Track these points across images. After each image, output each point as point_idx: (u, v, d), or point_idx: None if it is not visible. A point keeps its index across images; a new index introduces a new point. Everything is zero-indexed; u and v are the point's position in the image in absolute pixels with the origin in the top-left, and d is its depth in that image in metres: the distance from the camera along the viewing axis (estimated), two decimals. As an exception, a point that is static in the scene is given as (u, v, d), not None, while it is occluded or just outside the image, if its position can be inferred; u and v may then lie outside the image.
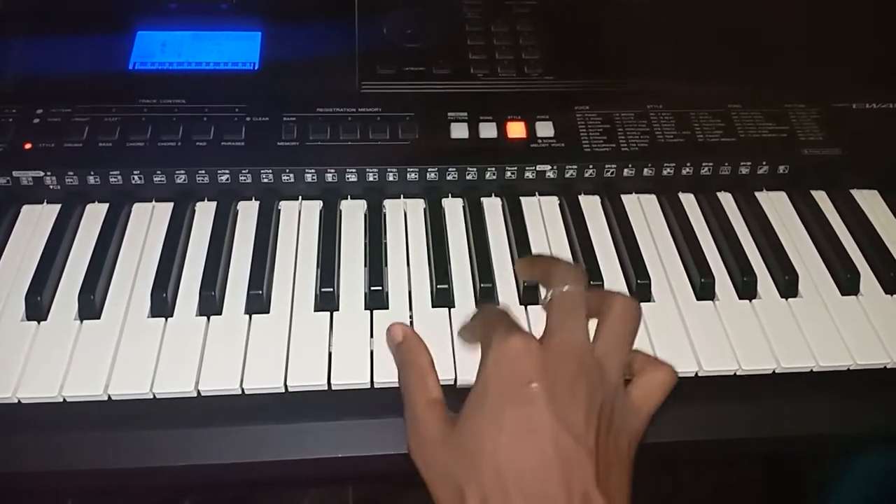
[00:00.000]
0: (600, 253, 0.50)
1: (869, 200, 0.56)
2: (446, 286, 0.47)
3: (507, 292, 0.48)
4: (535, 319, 0.46)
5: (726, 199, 0.55)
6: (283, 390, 0.42)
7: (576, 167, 0.53)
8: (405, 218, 0.52)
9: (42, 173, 0.50)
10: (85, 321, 0.44)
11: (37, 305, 0.45)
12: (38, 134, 0.51)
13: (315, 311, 0.46)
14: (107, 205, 0.51)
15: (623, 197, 0.54)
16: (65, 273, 0.47)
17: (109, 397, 0.41)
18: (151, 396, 0.41)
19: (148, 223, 0.51)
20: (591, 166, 0.53)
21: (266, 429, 0.42)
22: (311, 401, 0.42)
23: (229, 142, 0.51)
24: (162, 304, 0.45)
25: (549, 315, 0.36)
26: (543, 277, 0.40)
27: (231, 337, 0.44)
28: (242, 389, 0.42)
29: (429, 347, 0.43)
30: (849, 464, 0.74)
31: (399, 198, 0.53)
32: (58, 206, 0.51)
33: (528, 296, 0.47)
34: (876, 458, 0.73)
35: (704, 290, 0.48)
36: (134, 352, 0.43)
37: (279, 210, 0.52)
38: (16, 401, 0.41)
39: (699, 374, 0.44)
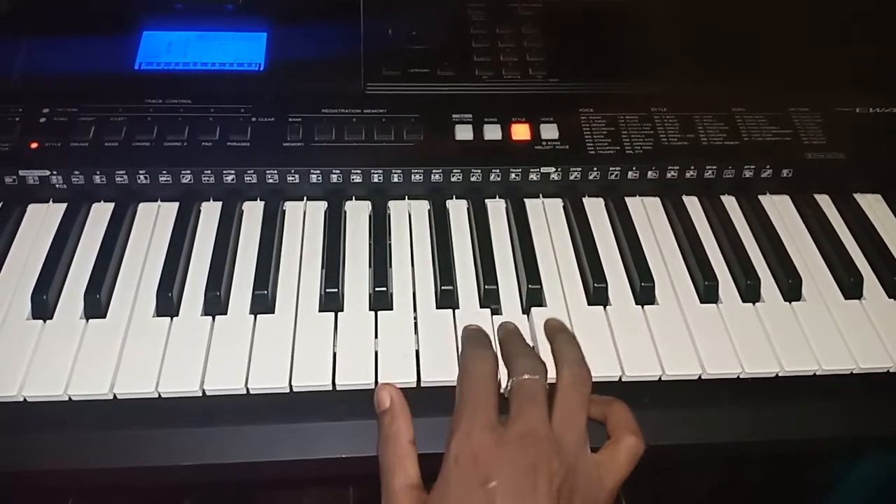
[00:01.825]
0: (604, 255, 0.50)
1: (872, 204, 0.56)
2: (451, 287, 0.47)
3: (510, 294, 0.48)
4: (537, 322, 0.46)
5: (730, 203, 0.55)
6: (288, 390, 0.42)
7: (580, 169, 0.53)
8: (410, 219, 0.52)
9: (48, 172, 0.50)
10: (90, 320, 0.45)
11: (42, 304, 0.45)
12: (45, 133, 0.51)
13: (320, 311, 0.46)
14: (112, 204, 0.51)
15: (627, 199, 0.54)
16: (70, 272, 0.47)
17: (115, 396, 0.42)
18: (156, 396, 0.42)
19: (153, 223, 0.51)
20: (595, 169, 0.53)
21: (270, 429, 0.42)
22: (315, 401, 0.43)
23: (235, 142, 0.52)
24: (167, 304, 0.45)
25: (511, 403, 0.38)
26: (506, 365, 0.41)
27: (236, 337, 0.44)
28: (247, 389, 0.42)
29: (430, 347, 0.44)
30: (849, 466, 0.75)
31: (404, 199, 0.53)
32: (64, 206, 0.51)
33: (532, 299, 0.47)
34: (876, 461, 0.73)
35: (708, 293, 0.48)
36: (139, 351, 0.43)
37: (284, 211, 0.52)
38: (21, 399, 0.41)
39: (702, 377, 0.44)
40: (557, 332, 0.43)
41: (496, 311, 0.47)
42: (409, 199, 0.53)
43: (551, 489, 0.34)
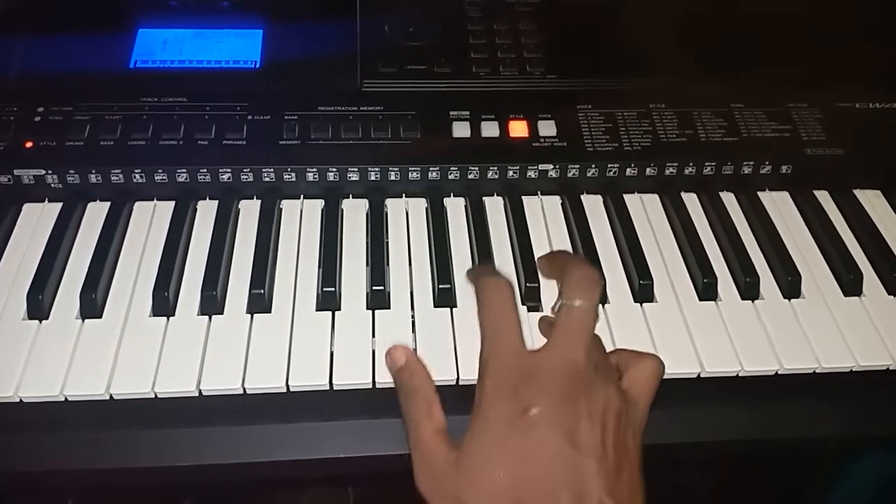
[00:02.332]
0: (602, 253, 0.50)
1: (872, 201, 0.56)
2: (448, 286, 0.47)
3: (509, 292, 0.47)
4: (534, 321, 0.45)
5: (729, 199, 0.55)
6: (285, 390, 0.42)
7: (578, 166, 0.53)
8: (407, 217, 0.52)
9: (43, 172, 0.50)
10: (86, 320, 0.44)
11: (38, 304, 0.45)
12: (40, 132, 0.51)
13: (317, 310, 0.46)
14: (108, 203, 0.51)
15: (625, 196, 0.54)
16: (66, 272, 0.47)
17: (111, 396, 0.41)
18: (153, 396, 0.41)
19: (149, 222, 0.51)
20: (593, 166, 0.53)
21: (267, 428, 0.42)
22: (312, 401, 0.42)
23: (231, 140, 0.51)
24: (163, 304, 0.45)
25: (555, 326, 0.37)
26: (559, 280, 0.40)
27: (233, 336, 0.44)
28: (244, 389, 0.42)
29: (428, 346, 0.44)
30: (849, 466, 0.74)
31: (401, 197, 0.53)
32: (59, 205, 0.51)
33: (529, 297, 0.47)
34: (876, 460, 0.73)
35: (707, 290, 0.48)
36: (135, 351, 0.43)
37: (281, 209, 0.52)
38: (17, 400, 0.41)
39: (701, 375, 0.44)
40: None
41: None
42: (406, 196, 0.53)
43: (593, 409, 0.34)
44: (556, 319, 0.37)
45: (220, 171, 0.51)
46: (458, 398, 0.37)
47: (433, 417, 0.37)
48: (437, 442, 0.36)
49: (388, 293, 0.47)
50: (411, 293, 0.47)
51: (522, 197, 0.53)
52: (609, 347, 0.44)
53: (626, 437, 0.35)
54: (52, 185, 0.51)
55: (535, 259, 0.47)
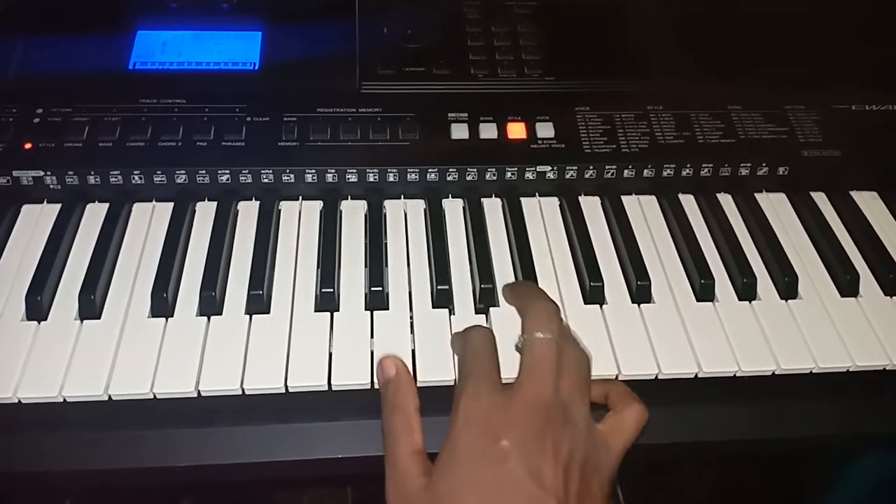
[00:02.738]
0: (600, 254, 0.50)
1: (869, 202, 0.56)
2: (447, 287, 0.47)
3: (507, 293, 0.48)
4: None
5: (726, 201, 0.55)
6: (284, 391, 0.42)
7: (576, 168, 0.53)
8: (405, 218, 0.52)
9: (42, 173, 0.50)
10: (85, 321, 0.44)
11: (37, 305, 0.45)
12: (39, 133, 0.51)
13: (315, 311, 0.46)
14: (107, 204, 0.51)
15: (623, 198, 0.54)
16: (65, 273, 0.47)
17: (110, 397, 0.41)
18: (152, 396, 0.41)
19: (148, 223, 0.51)
20: (591, 167, 0.53)
21: (266, 429, 0.42)
22: (311, 401, 0.43)
23: (230, 142, 0.51)
24: (162, 304, 0.45)
25: (521, 362, 0.37)
26: (520, 314, 0.41)
27: (231, 337, 0.44)
28: (243, 390, 0.42)
29: (426, 347, 0.44)
30: (847, 465, 0.75)
31: (399, 198, 0.53)
32: (58, 206, 0.51)
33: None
34: (874, 459, 0.73)
35: (704, 291, 0.48)
36: (134, 352, 0.43)
37: (279, 210, 0.52)
38: (16, 401, 0.41)
39: (699, 376, 0.44)
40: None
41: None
42: (405, 198, 0.53)
43: (560, 451, 0.34)
44: (521, 356, 0.37)
45: (219, 172, 0.51)
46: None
47: (412, 438, 0.37)
48: (411, 463, 0.36)
49: (387, 294, 0.47)
50: (410, 294, 0.47)
51: (521, 198, 0.53)
52: (607, 348, 0.45)
53: (591, 483, 0.35)
54: (51, 186, 0.51)
55: (503, 286, 0.47)
